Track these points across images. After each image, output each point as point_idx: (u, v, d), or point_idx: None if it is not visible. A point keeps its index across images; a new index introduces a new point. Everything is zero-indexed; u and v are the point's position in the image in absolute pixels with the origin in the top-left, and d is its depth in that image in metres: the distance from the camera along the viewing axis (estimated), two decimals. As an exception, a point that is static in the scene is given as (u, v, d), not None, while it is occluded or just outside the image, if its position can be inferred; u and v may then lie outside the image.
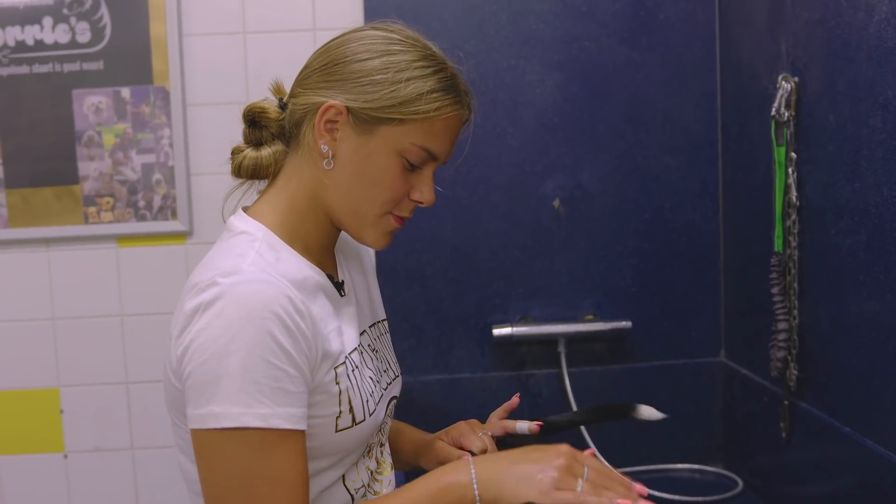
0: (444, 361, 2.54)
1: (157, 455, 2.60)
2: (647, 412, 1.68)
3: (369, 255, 1.70)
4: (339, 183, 1.40)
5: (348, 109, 1.37)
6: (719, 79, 2.53)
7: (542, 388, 2.55)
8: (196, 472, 1.33)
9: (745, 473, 2.45)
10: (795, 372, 2.10)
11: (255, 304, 1.24)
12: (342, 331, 1.42)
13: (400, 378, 1.59)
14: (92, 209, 2.48)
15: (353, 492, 1.45)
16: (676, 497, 2.33)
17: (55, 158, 2.46)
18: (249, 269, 1.29)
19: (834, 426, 1.97)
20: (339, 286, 1.48)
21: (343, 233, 1.55)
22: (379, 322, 1.59)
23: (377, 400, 1.46)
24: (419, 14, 2.46)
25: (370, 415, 1.42)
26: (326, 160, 1.40)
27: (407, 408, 2.24)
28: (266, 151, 1.46)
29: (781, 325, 2.11)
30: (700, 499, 2.34)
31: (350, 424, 1.38)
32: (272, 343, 1.24)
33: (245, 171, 1.48)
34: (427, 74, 1.39)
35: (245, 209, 1.47)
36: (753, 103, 2.29)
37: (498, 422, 1.59)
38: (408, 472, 1.76)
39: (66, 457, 2.58)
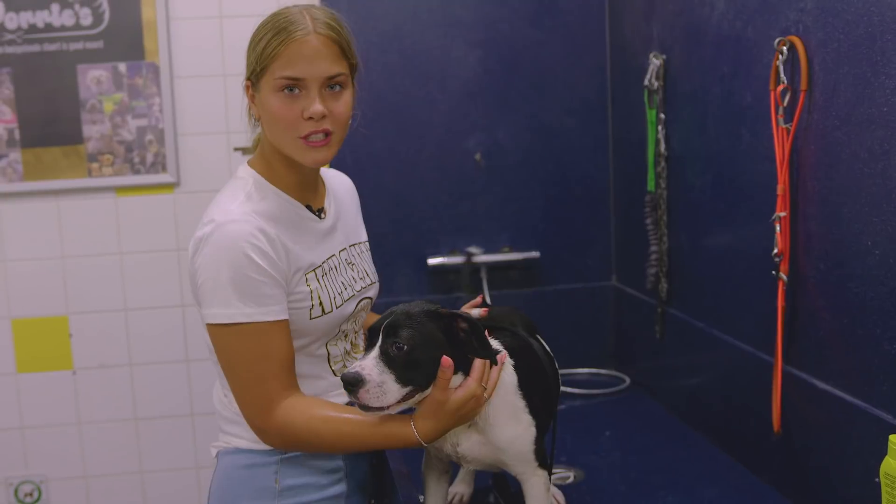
0: (388, 287, 2.95)
1: (152, 369, 3.05)
2: None
3: (355, 198, 2.20)
4: (268, 132, 1.88)
5: (249, 81, 1.86)
6: (609, 54, 3.03)
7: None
8: None
9: (632, 373, 2.95)
10: (665, 285, 2.61)
11: (236, 237, 1.77)
12: (316, 245, 1.93)
13: (376, 284, 2.11)
14: (94, 165, 2.93)
15: (332, 365, 1.98)
16: (578, 391, 2.85)
17: (63, 122, 2.89)
18: (235, 210, 1.81)
19: (696, 325, 2.46)
20: (319, 212, 1.99)
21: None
22: (359, 243, 2.11)
23: (346, 298, 1.96)
24: (369, 2, 2.91)
25: (337, 308, 1.92)
26: (259, 121, 1.91)
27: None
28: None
29: (653, 248, 2.64)
30: (596, 391, 2.87)
31: (321, 314, 1.88)
32: (250, 262, 1.75)
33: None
34: (269, 32, 1.79)
35: (248, 161, 1.98)
36: (633, 75, 2.77)
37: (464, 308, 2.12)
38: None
39: (74, 373, 3.02)
